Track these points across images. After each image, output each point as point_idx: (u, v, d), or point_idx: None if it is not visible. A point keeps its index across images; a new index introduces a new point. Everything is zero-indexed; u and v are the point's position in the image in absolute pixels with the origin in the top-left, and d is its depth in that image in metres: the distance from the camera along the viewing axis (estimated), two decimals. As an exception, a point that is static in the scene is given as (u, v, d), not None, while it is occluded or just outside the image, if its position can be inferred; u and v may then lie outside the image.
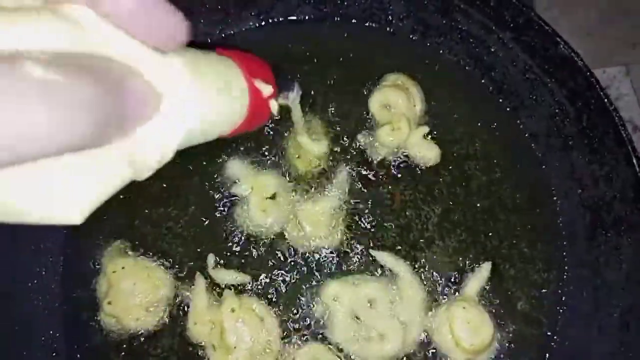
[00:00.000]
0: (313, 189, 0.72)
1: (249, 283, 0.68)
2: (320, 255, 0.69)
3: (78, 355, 0.66)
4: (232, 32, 0.82)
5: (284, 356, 0.64)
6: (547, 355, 0.66)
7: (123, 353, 0.66)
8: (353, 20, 0.83)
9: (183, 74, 0.33)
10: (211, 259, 0.69)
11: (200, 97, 0.35)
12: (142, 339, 0.66)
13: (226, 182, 0.72)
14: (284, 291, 0.68)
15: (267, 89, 0.44)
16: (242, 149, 0.74)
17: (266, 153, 0.74)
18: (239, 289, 0.67)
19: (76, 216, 0.28)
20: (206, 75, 0.36)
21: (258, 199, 0.69)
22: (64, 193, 0.28)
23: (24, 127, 0.22)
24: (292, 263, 0.69)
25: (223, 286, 0.67)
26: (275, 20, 0.83)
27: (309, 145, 0.73)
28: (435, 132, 0.74)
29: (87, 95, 0.24)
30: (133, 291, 0.66)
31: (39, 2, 0.27)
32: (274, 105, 0.47)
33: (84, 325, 0.67)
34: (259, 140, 0.74)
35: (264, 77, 0.45)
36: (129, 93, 0.27)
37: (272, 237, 0.70)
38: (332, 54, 0.81)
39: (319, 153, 0.73)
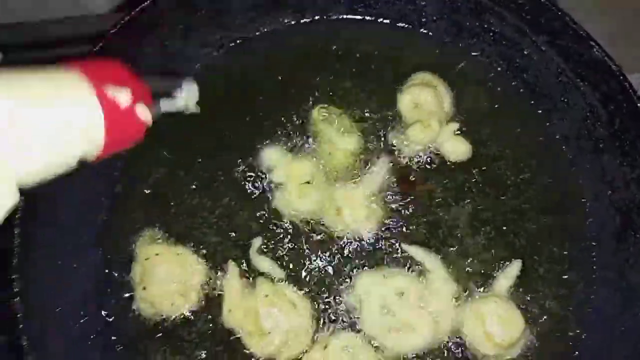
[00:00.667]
0: (349, 176, 0.73)
1: (284, 271, 0.69)
2: (353, 247, 0.70)
3: (114, 338, 0.68)
4: (267, 30, 0.84)
5: (316, 344, 0.65)
6: (575, 352, 0.67)
7: (158, 336, 0.67)
8: (386, 21, 0.84)
9: None
10: (257, 242, 0.70)
11: (11, 122, 0.30)
12: (177, 324, 0.67)
13: (261, 171, 0.74)
14: (317, 280, 0.69)
15: (121, 95, 0.37)
16: (277, 136, 0.75)
17: (301, 141, 0.75)
18: (272, 277, 0.68)
19: None
20: (17, 95, 0.31)
21: (295, 185, 0.71)
22: None
23: None
24: (326, 253, 0.70)
25: (259, 273, 0.68)
26: (310, 19, 0.85)
27: (340, 142, 0.74)
28: (465, 132, 0.76)
29: None
30: (167, 277, 0.67)
31: None
32: (144, 113, 0.40)
33: (120, 310, 0.68)
34: (294, 128, 0.76)
35: (120, 81, 0.38)
36: None
37: (307, 224, 0.71)
38: (363, 53, 0.82)
39: (350, 149, 0.75)
